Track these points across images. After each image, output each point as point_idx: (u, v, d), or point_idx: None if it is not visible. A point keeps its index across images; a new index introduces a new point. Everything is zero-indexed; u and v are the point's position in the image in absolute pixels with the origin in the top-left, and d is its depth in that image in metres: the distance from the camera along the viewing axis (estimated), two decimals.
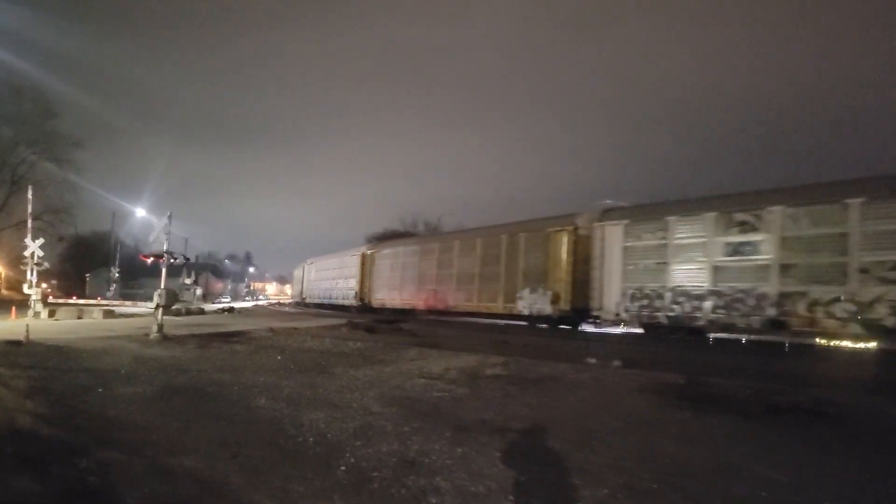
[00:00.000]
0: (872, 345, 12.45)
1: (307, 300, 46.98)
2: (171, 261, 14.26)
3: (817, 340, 13.57)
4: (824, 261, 13.38)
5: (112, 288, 53.89)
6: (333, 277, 39.43)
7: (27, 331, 11.32)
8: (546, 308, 20.17)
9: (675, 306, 16.21)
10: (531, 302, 20.81)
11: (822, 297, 13.27)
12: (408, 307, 28.09)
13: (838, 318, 12.94)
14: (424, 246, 28.96)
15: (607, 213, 19.13)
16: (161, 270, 14.03)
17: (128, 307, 33.27)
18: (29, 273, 20.31)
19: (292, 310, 40.81)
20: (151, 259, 14.25)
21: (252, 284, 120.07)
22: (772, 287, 14.16)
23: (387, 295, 30.68)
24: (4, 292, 42.99)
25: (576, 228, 19.84)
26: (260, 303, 69.59)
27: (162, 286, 13.72)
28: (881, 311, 12.25)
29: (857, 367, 11.21)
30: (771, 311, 14.10)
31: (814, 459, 4.59)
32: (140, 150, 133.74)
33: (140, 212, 36.28)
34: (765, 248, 14.45)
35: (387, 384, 7.68)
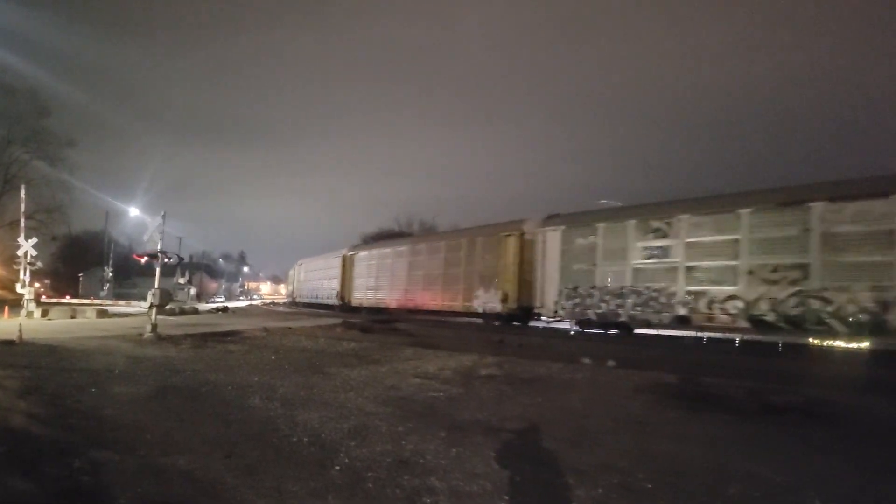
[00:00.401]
0: (865, 345, 12.58)
1: (297, 300, 48.52)
2: (166, 260, 14.23)
3: (810, 341, 13.66)
4: (720, 263, 15.30)
5: (106, 287, 53.73)
6: (319, 278, 41.41)
7: (20, 330, 11.27)
8: (497, 306, 22.05)
9: (602, 304, 18.10)
10: (485, 301, 22.85)
11: (719, 295, 15.22)
12: (382, 306, 29.67)
13: (730, 314, 14.92)
14: (396, 249, 30.80)
15: (548, 220, 21.01)
16: (155, 270, 14.00)
17: (121, 307, 33.20)
18: (22, 272, 20.27)
19: (286, 309, 40.74)
20: (145, 258, 14.20)
21: (246, 284, 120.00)
22: (679, 287, 16.07)
23: (364, 295, 32.55)
24: None
25: (522, 234, 21.71)
26: (254, 302, 69.52)
27: (156, 286, 13.68)
28: (763, 308, 14.28)
29: (849, 367, 11.24)
30: (679, 309, 16.01)
31: (808, 459, 4.60)
32: (134, 150, 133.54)
33: (134, 211, 36.37)
34: (674, 252, 16.32)
35: (381, 384, 7.68)
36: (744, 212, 14.87)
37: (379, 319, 21.26)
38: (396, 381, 7.97)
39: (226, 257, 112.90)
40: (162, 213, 14.09)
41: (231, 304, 48.56)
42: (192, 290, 57.12)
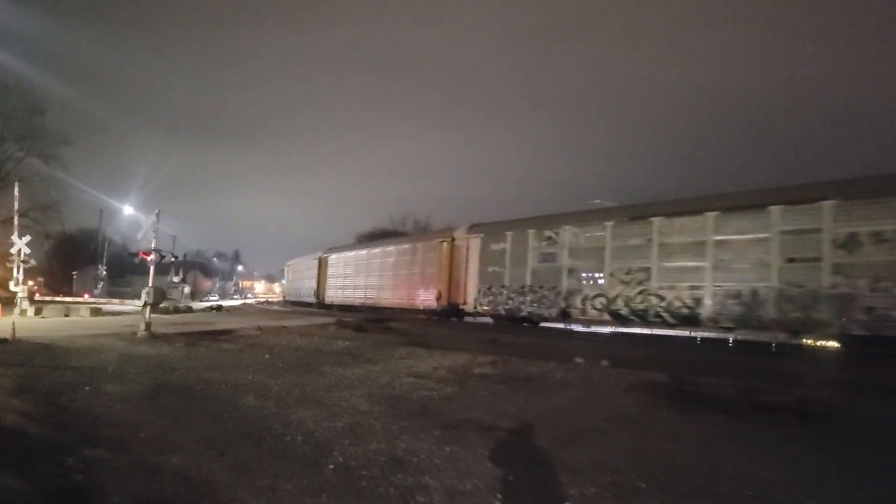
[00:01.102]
0: (855, 346, 12.71)
1: (286, 298, 51.59)
2: (160, 259, 14.19)
3: (804, 341, 13.77)
4: (591, 266, 18.68)
5: (99, 286, 53.65)
6: (302, 278, 45.16)
7: (13, 328, 11.24)
8: (433, 303, 25.48)
9: (509, 301, 21.51)
10: (424, 299, 26.41)
11: (590, 293, 18.55)
12: (348, 304, 33.15)
13: (597, 309, 18.23)
14: (358, 252, 34.61)
15: (472, 228, 24.63)
16: (149, 268, 13.96)
17: (115, 305, 33.10)
18: (15, 270, 20.20)
19: (280, 308, 40.72)
20: (139, 257, 14.17)
21: (240, 283, 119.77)
22: (563, 286, 19.43)
23: (335, 293, 36.08)
24: None
25: (453, 240, 25.11)
26: (248, 301, 69.40)
27: (150, 284, 13.65)
28: (619, 303, 17.59)
29: (841, 367, 11.30)
30: (561, 304, 19.37)
31: (800, 458, 4.62)
32: (128, 148, 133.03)
33: (128, 209, 36.20)
34: (559, 256, 19.74)
35: (375, 383, 7.68)
36: (608, 224, 18.31)
37: (373, 318, 21.47)
38: (390, 379, 7.97)
39: (220, 256, 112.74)
40: (156, 212, 14.07)
41: (225, 303, 48.45)
42: (187, 289, 57.15)
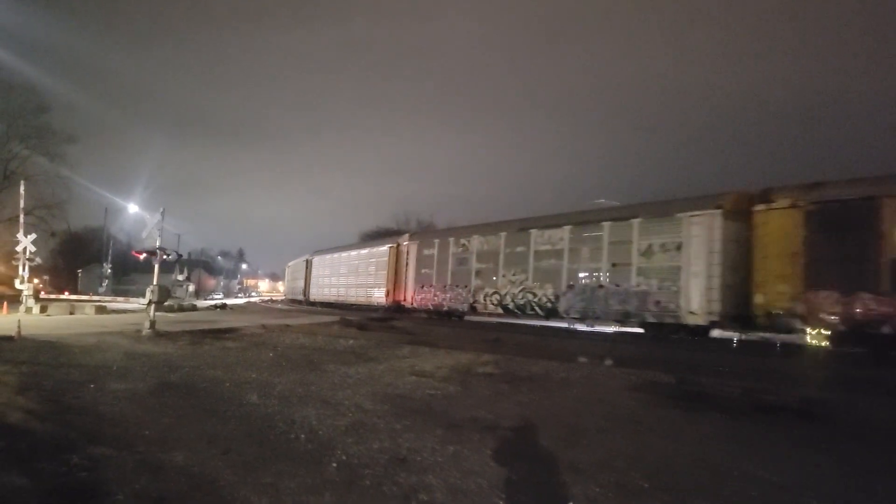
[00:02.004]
0: (863, 348, 12.67)
1: (287, 297, 54.73)
2: (164, 257, 14.23)
3: (808, 341, 13.74)
4: (491, 269, 22.47)
5: (104, 284, 53.78)
6: (296, 278, 48.69)
7: (19, 326, 11.28)
8: (383, 301, 29.47)
9: (435, 297, 25.33)
10: (377, 296, 30.48)
11: (489, 290, 22.38)
12: (326, 301, 37.17)
13: (493, 304, 22.14)
14: (334, 255, 38.57)
15: (412, 236, 29.60)
16: (153, 267, 14.01)
17: (120, 303, 33.21)
18: (21, 268, 20.23)
19: (284, 307, 40.81)
20: (144, 255, 14.21)
21: (244, 281, 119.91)
22: (471, 285, 23.32)
23: (318, 292, 40.01)
24: None
25: (398, 245, 29.31)
26: (252, 300, 69.49)
27: (154, 282, 13.70)
28: (508, 299, 21.45)
29: (844, 367, 11.27)
30: (470, 300, 23.23)
31: (802, 458, 4.62)
32: (132, 146, 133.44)
33: (132, 208, 36.41)
34: (470, 261, 23.58)
35: (378, 382, 7.69)
36: (502, 234, 22.29)
37: (376, 318, 21.65)
38: (393, 378, 7.98)
39: (224, 254, 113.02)
40: (161, 210, 14.11)
41: (229, 301, 48.58)
42: (191, 287, 57.09)
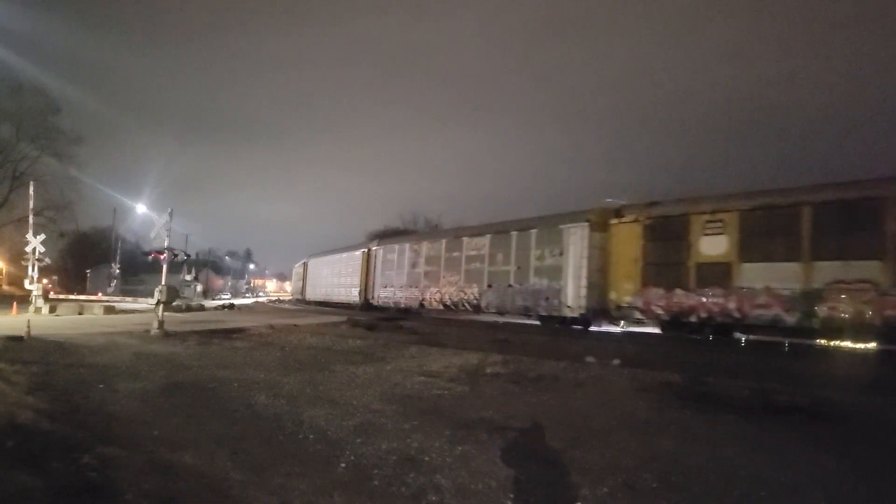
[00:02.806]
0: (872, 346, 12.62)
1: (294, 297, 56.47)
2: (173, 257, 14.28)
3: (817, 341, 13.67)
4: (435, 271, 25.37)
5: (113, 284, 53.93)
6: (298, 280, 51.78)
7: (28, 326, 11.34)
8: (357, 298, 32.64)
9: (395, 295, 28.47)
10: (354, 295, 33.42)
11: (433, 288, 25.23)
12: (319, 300, 40.03)
13: (436, 302, 24.90)
14: (323, 259, 41.67)
15: (380, 242, 33.39)
16: (162, 267, 14.06)
17: (128, 303, 33.26)
18: (30, 269, 20.36)
19: (291, 307, 40.92)
20: (163, 255, 14.26)
21: (252, 281, 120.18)
22: (421, 285, 26.14)
23: (313, 292, 42.99)
24: (6, 288, 43.05)
25: (369, 250, 32.24)
26: (260, 300, 69.65)
27: (163, 282, 13.74)
28: (447, 298, 24.23)
29: (854, 367, 11.20)
30: (420, 298, 26.01)
31: (812, 459, 4.59)
32: (140, 147, 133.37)
33: (141, 208, 36.39)
34: (420, 264, 26.57)
35: (387, 382, 7.69)
36: (443, 241, 25.51)
37: (384, 318, 21.75)
38: (402, 378, 7.98)
39: (232, 254, 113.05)
40: (169, 211, 14.15)
41: (237, 301, 48.72)
42: (199, 287, 57.52)
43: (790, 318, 13.71)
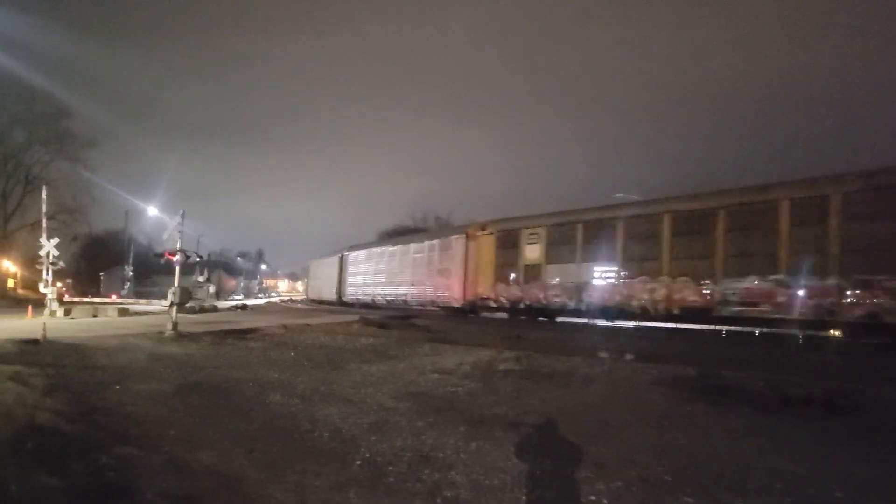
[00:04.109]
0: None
1: (307, 297, 58.94)
2: (185, 259, 14.36)
3: (831, 332, 13.60)
4: (386, 273, 31.48)
5: (126, 286, 54.42)
6: (315, 277, 55.24)
7: (44, 329, 11.43)
8: (335, 297, 38.52)
9: (358, 292, 34.96)
10: (333, 293, 39.07)
11: (382, 285, 31.58)
12: (316, 299, 44.72)
13: (380, 297, 31.38)
14: (319, 261, 46.68)
15: (350, 248, 38.30)
16: (174, 268, 14.14)
17: (142, 305, 33.54)
18: (44, 272, 20.52)
19: (304, 306, 41.10)
20: (165, 257, 14.34)
21: (264, 281, 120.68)
22: (379, 283, 32.21)
23: (317, 293, 46.47)
24: (21, 292, 43.50)
25: (343, 255, 38.23)
26: (273, 300, 69.94)
27: (176, 284, 13.82)
28: (380, 296, 31.13)
29: (871, 359, 11.12)
30: (372, 294, 32.70)
31: (828, 451, 4.57)
32: (151, 150, 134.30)
33: (152, 210, 36.59)
34: (374, 269, 33.16)
35: (400, 379, 7.72)
36: (387, 249, 32.37)
37: (396, 316, 21.82)
38: (415, 376, 8.01)
39: (244, 255, 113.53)
40: (181, 212, 14.23)
41: (250, 302, 48.98)
42: (212, 288, 57.85)
43: (571, 304, 19.30)
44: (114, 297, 46.51)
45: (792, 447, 4.66)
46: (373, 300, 32.21)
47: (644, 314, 17.10)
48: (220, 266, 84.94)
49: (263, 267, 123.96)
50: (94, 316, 21.71)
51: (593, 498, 3.53)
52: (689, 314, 16.12)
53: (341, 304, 36.58)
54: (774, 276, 14.15)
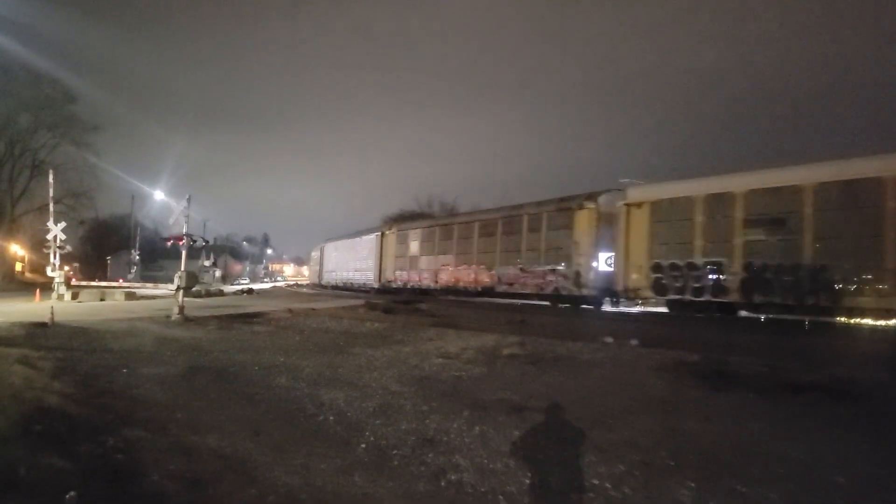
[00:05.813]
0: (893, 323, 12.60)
1: (310, 281, 62.20)
2: (192, 243, 14.39)
3: (837, 319, 13.59)
4: (359, 260, 35.85)
5: (133, 270, 54.55)
6: (315, 265, 57.15)
7: (52, 313, 11.51)
8: (316, 280, 46.44)
9: (325, 278, 43.89)
10: (315, 279, 48.68)
11: (345, 274, 38.95)
12: (325, 283, 46.04)
13: (353, 281, 36.99)
14: (329, 244, 48.30)
15: (328, 240, 45.20)
16: (181, 253, 14.18)
17: (149, 289, 33.71)
18: (52, 256, 20.56)
19: (309, 291, 41.24)
20: (171, 241, 14.38)
21: (270, 266, 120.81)
22: (341, 269, 40.19)
23: (329, 277, 47.80)
24: (28, 275, 43.70)
25: (322, 247, 45.70)
26: (278, 284, 70.10)
27: (182, 268, 13.88)
28: (348, 278, 38.32)
29: (875, 345, 11.10)
30: (344, 278, 38.66)
31: (830, 437, 4.58)
32: (157, 135, 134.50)
33: (159, 195, 36.75)
34: (339, 257, 40.43)
35: (405, 364, 7.75)
36: (350, 240, 38.07)
37: (401, 300, 21.79)
38: (419, 360, 8.03)
39: (250, 240, 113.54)
40: (187, 197, 14.26)
41: (255, 286, 49.12)
42: (218, 273, 57.90)
43: (433, 285, 26.63)
44: (121, 281, 46.67)
45: (794, 433, 4.65)
46: (337, 284, 40.03)
47: (465, 291, 24.60)
48: (226, 250, 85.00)
49: (269, 251, 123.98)
50: (102, 300, 21.82)
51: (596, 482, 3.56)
52: (484, 290, 23.55)
53: (321, 287, 44.34)
54: (519, 265, 21.82)
